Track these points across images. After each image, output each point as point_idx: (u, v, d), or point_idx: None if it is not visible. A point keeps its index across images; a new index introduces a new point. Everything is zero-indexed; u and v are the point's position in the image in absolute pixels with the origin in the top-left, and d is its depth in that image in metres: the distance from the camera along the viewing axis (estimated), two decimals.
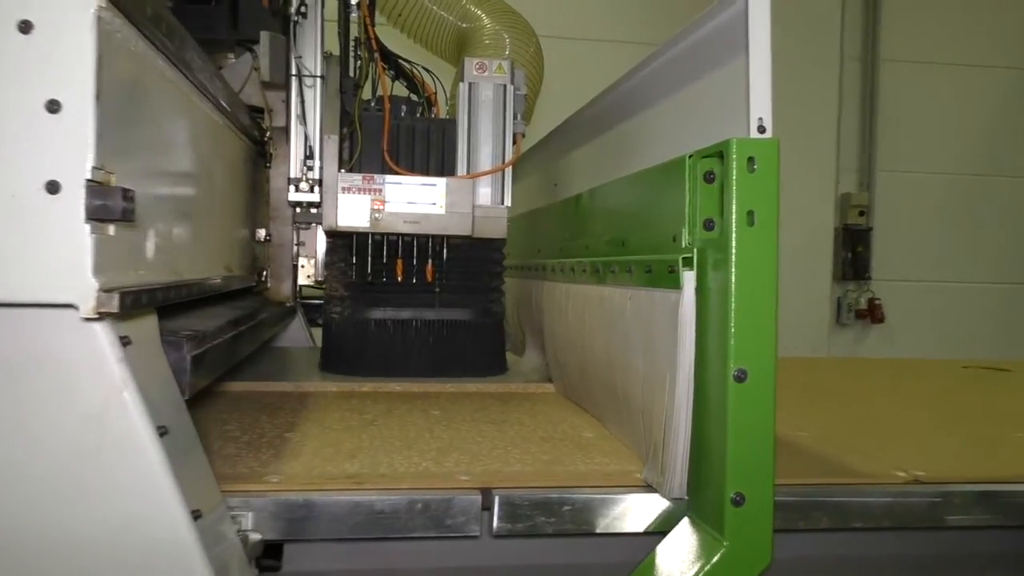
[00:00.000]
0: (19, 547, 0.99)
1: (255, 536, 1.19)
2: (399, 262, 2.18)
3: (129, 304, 0.98)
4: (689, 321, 1.23)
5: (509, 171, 2.16)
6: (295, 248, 2.18)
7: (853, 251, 6.66)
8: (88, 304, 0.92)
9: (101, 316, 0.94)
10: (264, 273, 2.14)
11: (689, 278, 1.24)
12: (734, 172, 1.15)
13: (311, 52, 2.08)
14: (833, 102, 6.34)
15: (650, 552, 1.26)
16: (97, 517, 1.00)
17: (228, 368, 1.63)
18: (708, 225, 1.23)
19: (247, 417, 1.71)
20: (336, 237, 2.21)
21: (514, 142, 2.18)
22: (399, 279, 2.18)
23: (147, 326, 1.13)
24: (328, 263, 2.25)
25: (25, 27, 0.90)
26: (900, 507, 1.36)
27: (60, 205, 0.91)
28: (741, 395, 1.15)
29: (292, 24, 2.05)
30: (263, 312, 2.01)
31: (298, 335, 2.96)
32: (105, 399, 0.99)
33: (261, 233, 2.14)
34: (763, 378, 1.15)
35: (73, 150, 0.91)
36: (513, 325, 2.65)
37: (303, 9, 2.05)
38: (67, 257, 0.92)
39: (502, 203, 2.15)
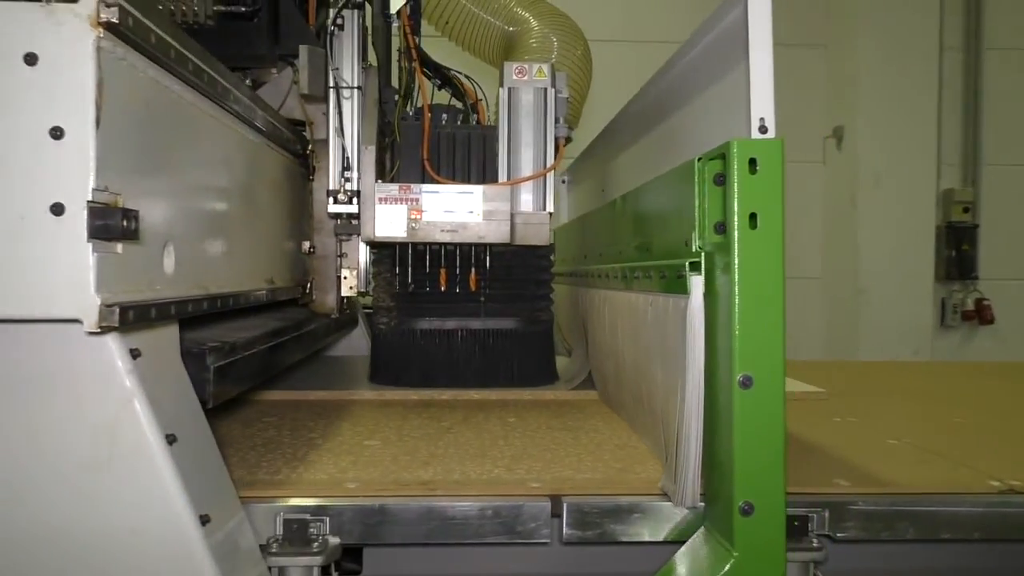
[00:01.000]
0: (36, 554, 1.08)
1: (334, 540, 1.28)
2: (443, 272, 2.23)
3: (133, 318, 1.06)
4: (698, 327, 1.24)
5: (551, 176, 2.18)
6: (338, 259, 2.26)
7: (958, 249, 6.40)
8: (91, 319, 1.00)
9: (104, 330, 1.02)
10: (308, 285, 2.23)
11: (697, 283, 1.25)
12: (735, 174, 1.15)
13: (349, 64, 2.15)
14: (932, 95, 6.11)
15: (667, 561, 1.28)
16: (108, 522, 1.08)
17: (266, 377, 1.72)
18: (719, 228, 1.24)
19: (331, 425, 1.82)
20: (381, 248, 2.28)
21: (556, 147, 2.20)
22: (442, 288, 2.24)
23: (163, 338, 1.21)
24: (375, 274, 2.33)
25: (31, 59, 0.99)
26: (993, 518, 1.34)
27: (64, 226, 0.99)
28: (747, 402, 1.16)
29: (328, 36, 2.13)
30: (309, 324, 2.10)
31: (360, 343, 3.06)
32: (116, 409, 1.07)
33: (306, 245, 2.23)
34: (770, 385, 1.16)
35: (75, 174, 0.99)
36: (566, 331, 2.68)
37: (339, 21, 2.13)
38: (71, 275, 1.00)
39: (544, 209, 2.17)
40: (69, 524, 1.08)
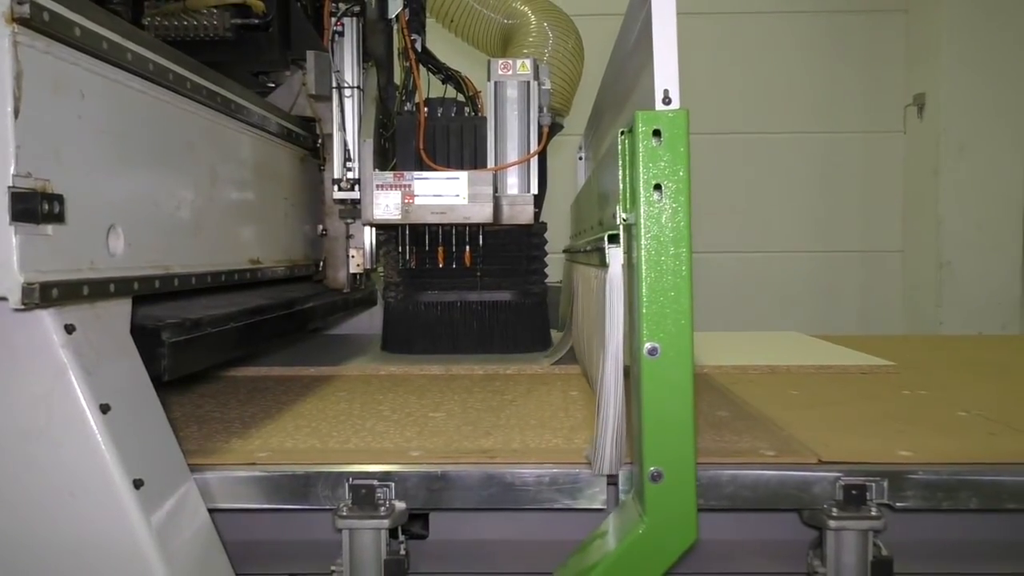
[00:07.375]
0: None
1: (400, 505, 1.20)
2: (441, 250, 2.21)
3: (58, 296, 0.99)
4: (616, 297, 1.12)
5: (535, 161, 2.10)
6: (347, 240, 2.24)
7: None
8: (15, 296, 0.94)
9: (29, 306, 0.96)
10: (320, 264, 2.21)
11: (615, 254, 1.13)
12: (640, 145, 1.03)
13: (349, 65, 2.15)
14: (1021, 59, 5.06)
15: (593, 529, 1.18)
16: (48, 486, 1.02)
17: (243, 352, 1.66)
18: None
19: (399, 398, 1.72)
20: (388, 229, 2.25)
21: (540, 134, 2.12)
22: (440, 265, 2.21)
23: (107, 314, 1.14)
24: (384, 252, 2.30)
25: None
26: None
27: None
28: (654, 371, 1.04)
29: (330, 41, 2.12)
30: (306, 302, 2.01)
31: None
32: (51, 380, 1.01)
33: (319, 228, 2.21)
34: (677, 354, 1.03)
35: None
36: (563, 306, 2.58)
37: (339, 28, 2.13)
38: None
39: (528, 191, 2.10)
40: (11, 488, 1.03)
